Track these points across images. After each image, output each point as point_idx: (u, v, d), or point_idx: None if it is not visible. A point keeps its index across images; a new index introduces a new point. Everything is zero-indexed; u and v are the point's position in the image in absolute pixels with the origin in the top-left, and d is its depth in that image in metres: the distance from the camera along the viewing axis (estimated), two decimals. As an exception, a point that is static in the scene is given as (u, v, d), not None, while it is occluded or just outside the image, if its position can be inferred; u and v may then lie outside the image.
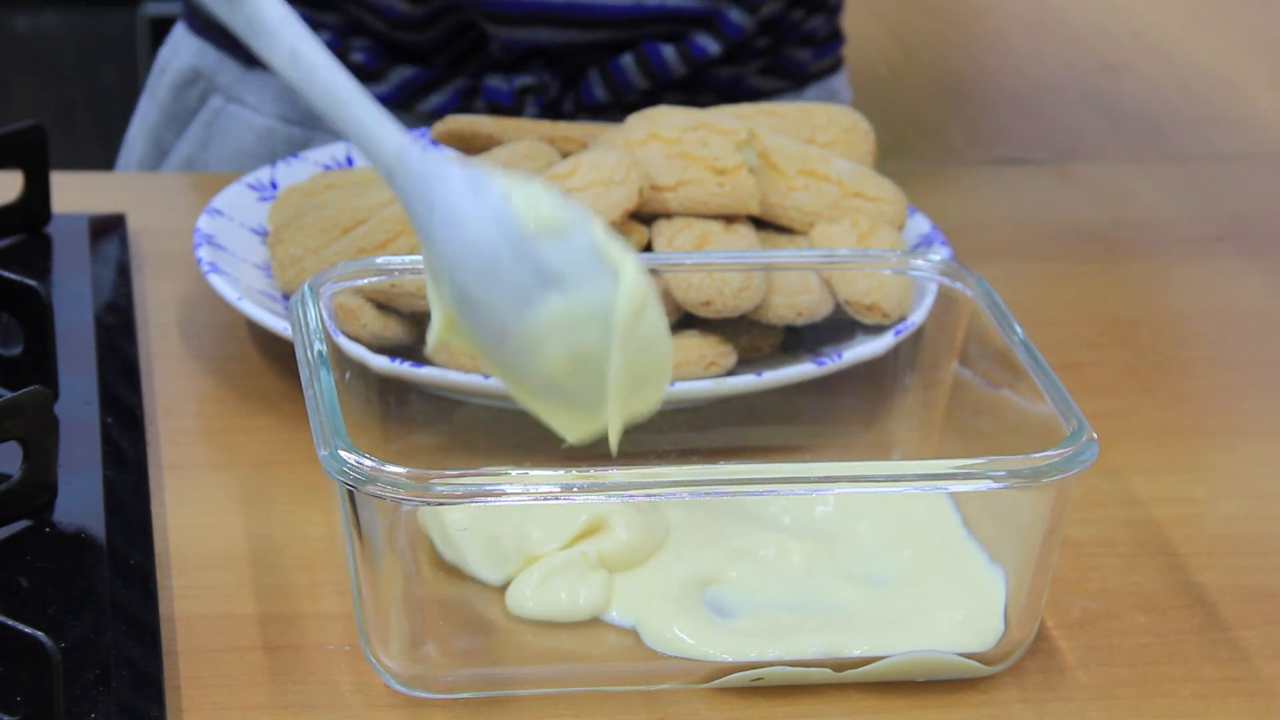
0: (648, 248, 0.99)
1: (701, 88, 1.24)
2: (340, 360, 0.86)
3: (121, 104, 1.43)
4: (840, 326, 0.96)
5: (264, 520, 0.89)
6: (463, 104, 1.22)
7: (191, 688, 0.79)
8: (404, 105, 1.23)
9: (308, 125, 1.24)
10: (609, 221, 0.96)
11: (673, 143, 0.99)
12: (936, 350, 0.92)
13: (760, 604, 0.81)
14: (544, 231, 0.74)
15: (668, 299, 0.94)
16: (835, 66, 1.30)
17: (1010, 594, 0.81)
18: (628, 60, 1.19)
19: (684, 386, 0.92)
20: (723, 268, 0.93)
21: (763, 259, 0.95)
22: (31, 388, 0.85)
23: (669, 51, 1.19)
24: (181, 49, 1.30)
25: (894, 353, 0.94)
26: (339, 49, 1.21)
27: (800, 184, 1.00)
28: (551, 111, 1.21)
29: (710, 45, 1.19)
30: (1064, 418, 0.80)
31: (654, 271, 0.94)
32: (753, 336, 0.96)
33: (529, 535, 0.82)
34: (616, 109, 1.21)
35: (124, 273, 1.05)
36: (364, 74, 1.22)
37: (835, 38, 1.29)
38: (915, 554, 0.83)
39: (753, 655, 0.79)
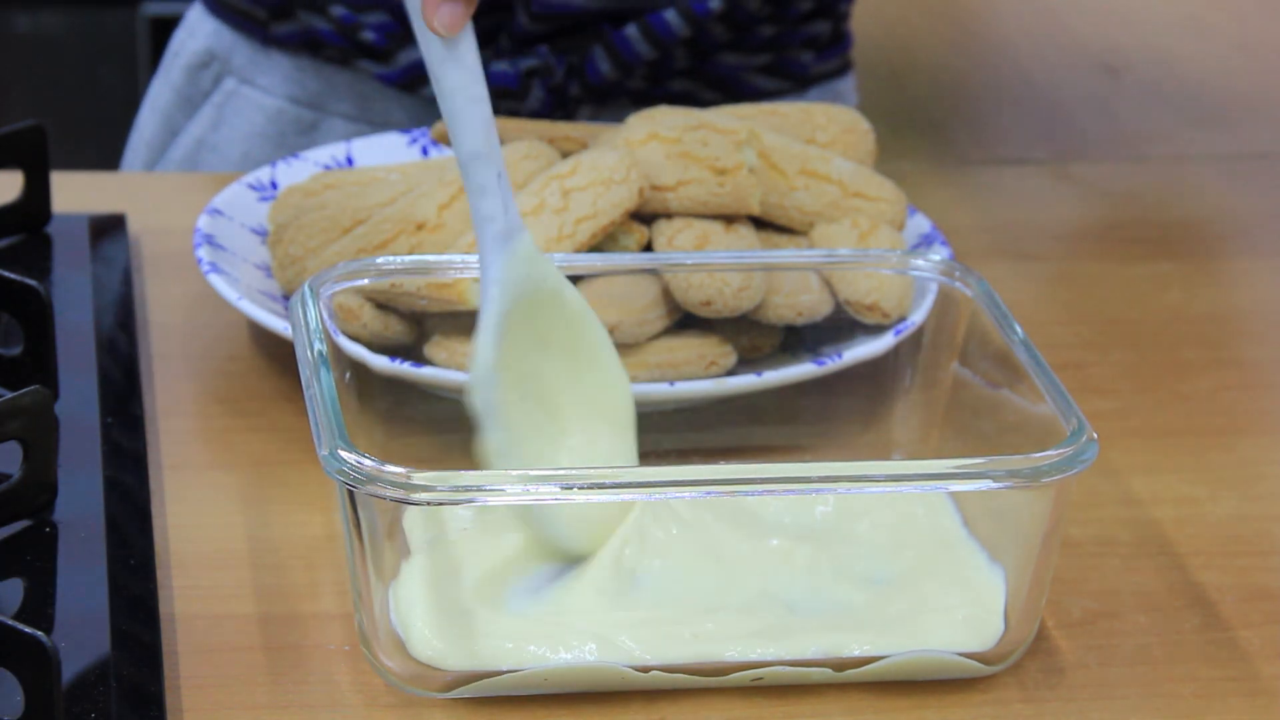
0: (648, 248, 0.99)
1: (703, 76, 1.24)
2: (340, 360, 0.86)
3: (121, 104, 1.43)
4: (840, 326, 0.96)
5: (264, 520, 0.89)
6: None
7: (191, 688, 0.79)
8: (409, 88, 1.23)
9: (315, 107, 1.25)
10: (609, 222, 0.96)
11: (673, 143, 0.99)
12: (936, 350, 0.92)
13: (761, 603, 0.81)
14: None
15: (668, 299, 0.94)
16: (841, 70, 1.30)
17: (1010, 594, 0.81)
18: (632, 31, 1.19)
19: (684, 386, 0.92)
20: (723, 268, 0.93)
21: (763, 259, 0.95)
22: (31, 388, 0.85)
23: (671, 15, 1.19)
24: (197, 32, 1.30)
25: (894, 353, 0.94)
26: (352, 24, 1.21)
27: (800, 184, 1.00)
28: (557, 95, 1.21)
29: (711, 1, 1.19)
30: (1064, 418, 0.80)
31: (654, 271, 0.94)
32: (753, 336, 0.96)
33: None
34: (621, 92, 1.21)
35: (124, 273, 1.05)
36: (373, 53, 1.22)
37: (840, 41, 1.29)
38: (915, 554, 0.83)
39: (753, 655, 0.79)
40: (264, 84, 1.27)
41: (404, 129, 1.22)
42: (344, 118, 1.25)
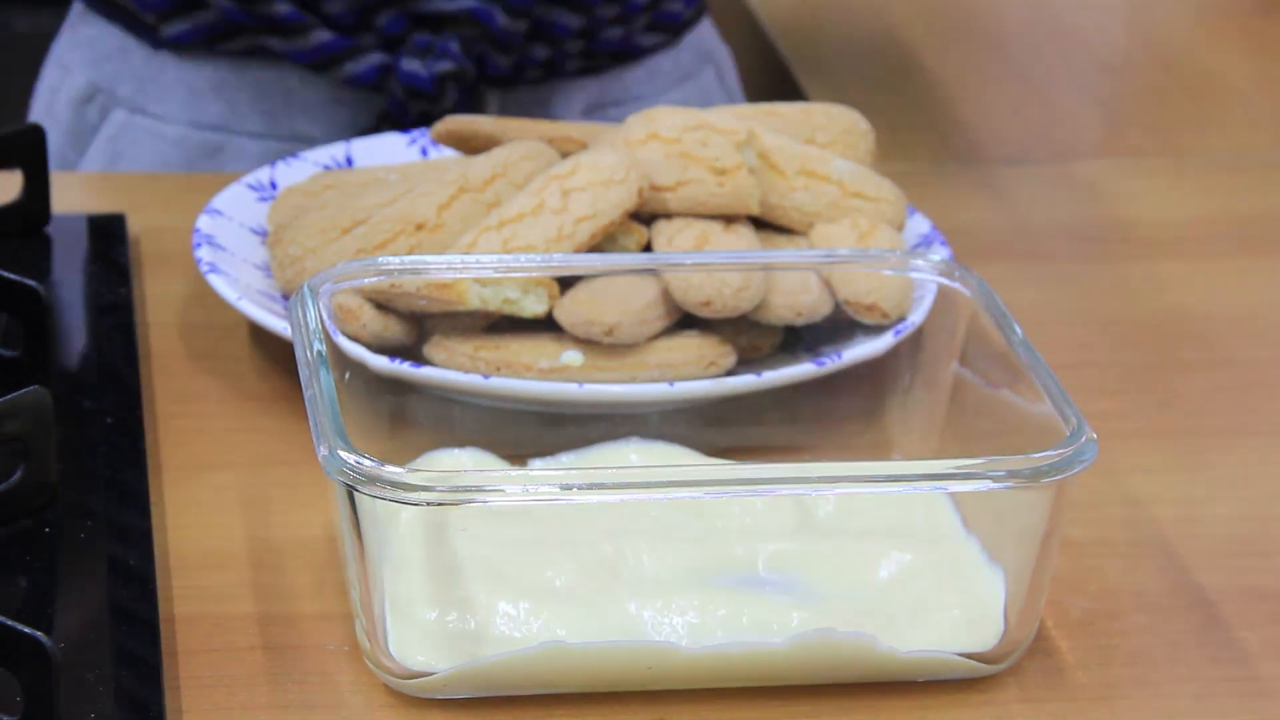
0: (647, 248, 0.99)
1: (597, 54, 1.25)
2: (340, 360, 0.86)
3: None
4: (840, 326, 0.96)
5: (264, 520, 0.89)
6: (380, 79, 1.21)
7: (191, 688, 0.79)
8: (321, 69, 1.21)
9: (221, 129, 1.23)
10: (609, 222, 0.96)
11: (673, 143, 0.99)
12: (936, 350, 0.92)
13: (760, 603, 0.81)
14: None
15: (667, 299, 0.94)
16: (700, 14, 1.33)
17: (1010, 594, 0.81)
18: (506, 22, 1.21)
19: (684, 386, 0.92)
20: (723, 268, 0.93)
21: (763, 259, 0.95)
22: (31, 388, 0.85)
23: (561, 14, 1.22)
24: (72, 67, 1.27)
25: (894, 353, 0.94)
26: None
27: (800, 184, 1.00)
28: (469, 93, 1.21)
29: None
30: (1064, 418, 0.80)
31: (654, 271, 0.94)
32: (753, 336, 0.96)
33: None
34: (521, 81, 1.22)
35: (124, 273, 1.05)
36: (283, 30, 1.20)
37: None
38: (915, 554, 0.83)
39: (752, 655, 0.79)
40: (159, 111, 1.24)
41: (318, 144, 1.20)
42: (251, 136, 1.23)
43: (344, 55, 1.20)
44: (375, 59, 1.20)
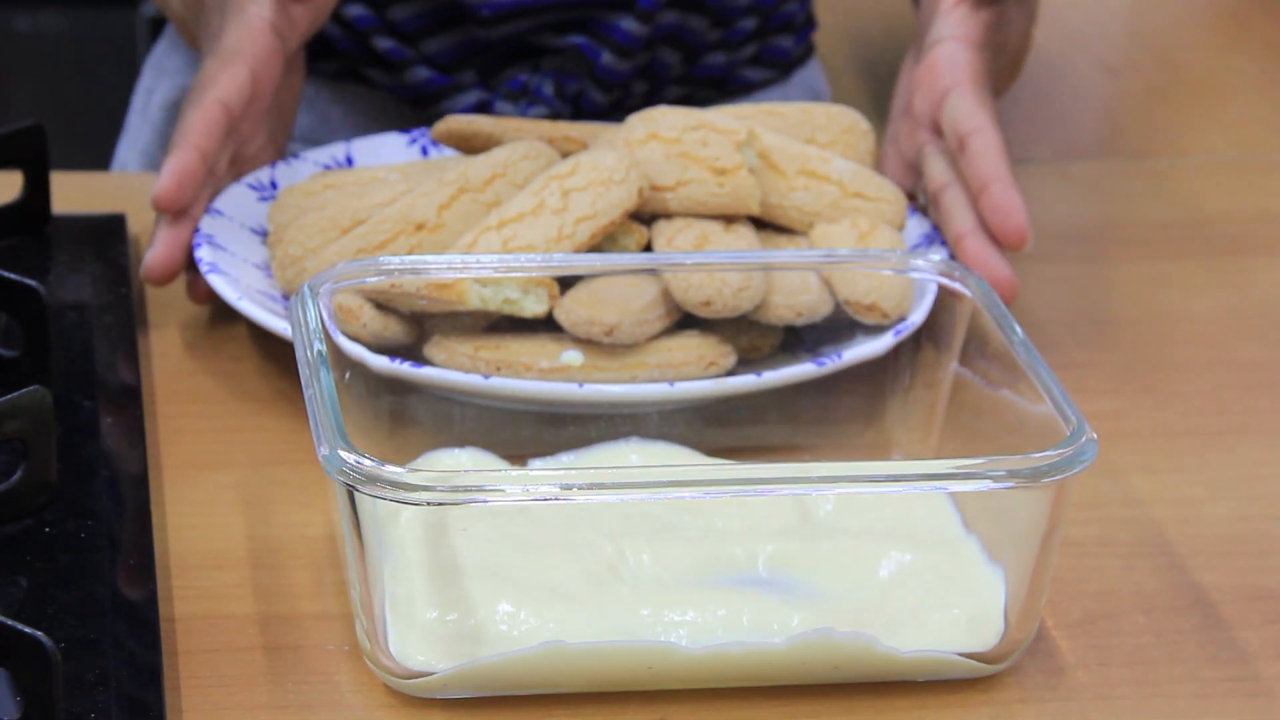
0: (648, 248, 0.99)
1: (697, 82, 1.25)
2: (340, 360, 0.86)
3: (121, 104, 1.43)
4: (840, 326, 0.96)
5: (264, 520, 0.89)
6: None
7: (191, 688, 0.79)
8: (418, 105, 1.23)
9: (310, 140, 1.24)
10: (609, 222, 0.96)
11: (673, 143, 0.99)
12: (936, 350, 0.92)
13: (759, 603, 0.81)
14: None
15: (668, 299, 0.94)
16: (810, 52, 1.32)
17: (1010, 594, 0.81)
18: (608, 58, 1.20)
19: (684, 386, 0.92)
20: (723, 268, 0.93)
21: (763, 259, 0.95)
22: (31, 388, 0.85)
23: (629, 23, 1.20)
24: (168, 68, 1.29)
25: (894, 353, 0.94)
26: (366, 28, 1.21)
27: (800, 184, 1.00)
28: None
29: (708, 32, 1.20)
30: (1064, 418, 0.80)
31: (654, 271, 0.94)
32: (753, 336, 0.96)
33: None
34: (622, 110, 1.22)
35: (124, 273, 1.05)
36: (384, 64, 1.22)
37: (810, 23, 1.31)
38: (915, 554, 0.83)
39: (751, 654, 0.79)
40: None
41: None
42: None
43: (442, 94, 1.21)
44: (473, 97, 1.22)
